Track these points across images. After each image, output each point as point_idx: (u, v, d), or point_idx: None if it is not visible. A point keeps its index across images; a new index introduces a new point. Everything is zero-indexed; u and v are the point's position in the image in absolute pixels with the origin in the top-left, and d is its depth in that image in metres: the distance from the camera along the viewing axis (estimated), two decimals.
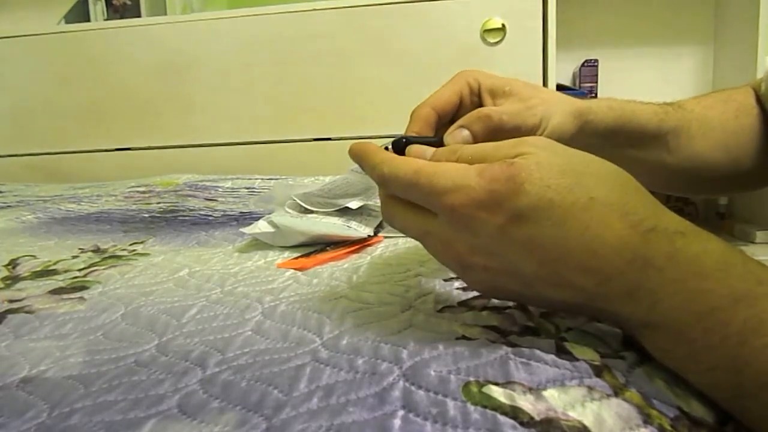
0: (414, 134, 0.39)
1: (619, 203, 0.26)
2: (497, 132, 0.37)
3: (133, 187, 1.06)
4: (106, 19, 1.68)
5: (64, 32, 1.53)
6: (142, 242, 0.61)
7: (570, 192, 0.26)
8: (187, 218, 0.74)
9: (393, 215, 0.32)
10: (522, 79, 0.43)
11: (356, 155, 0.34)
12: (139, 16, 1.66)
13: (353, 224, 0.58)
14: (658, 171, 0.49)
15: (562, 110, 0.41)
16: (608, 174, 0.28)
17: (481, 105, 0.41)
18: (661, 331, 0.25)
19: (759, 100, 0.51)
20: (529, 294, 0.29)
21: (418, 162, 0.30)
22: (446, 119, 0.41)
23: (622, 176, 0.28)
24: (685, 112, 0.48)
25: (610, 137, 0.44)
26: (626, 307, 0.25)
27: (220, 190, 0.98)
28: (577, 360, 0.26)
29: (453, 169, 0.28)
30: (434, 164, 0.29)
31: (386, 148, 0.34)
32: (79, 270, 0.50)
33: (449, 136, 0.37)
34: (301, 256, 0.50)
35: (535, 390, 0.24)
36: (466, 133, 0.37)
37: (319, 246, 0.54)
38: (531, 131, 0.39)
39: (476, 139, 0.37)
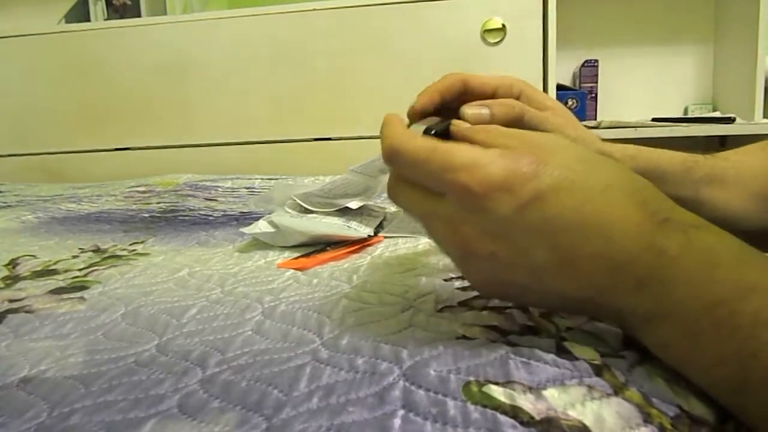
0: (424, 105, 0.40)
1: (637, 191, 0.27)
2: (516, 122, 0.38)
3: (133, 187, 1.07)
4: (106, 19, 1.68)
5: (64, 32, 1.53)
6: (142, 242, 0.61)
7: (589, 176, 0.26)
8: (187, 218, 0.74)
9: (398, 193, 0.31)
10: (522, 79, 0.43)
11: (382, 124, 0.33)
12: (139, 16, 1.66)
13: (353, 224, 0.58)
14: None
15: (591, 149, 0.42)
16: (623, 167, 0.29)
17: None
18: (668, 324, 0.24)
19: None
20: (533, 287, 0.28)
21: (435, 141, 0.29)
22: (473, 98, 0.41)
23: (635, 173, 0.29)
24: (718, 160, 0.45)
25: None
26: (633, 298, 0.25)
27: (220, 190, 0.98)
28: (577, 359, 0.26)
29: (473, 149, 0.27)
30: (451, 143, 0.28)
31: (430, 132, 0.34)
32: (79, 270, 0.50)
33: (468, 108, 0.38)
34: (301, 256, 0.50)
35: (535, 389, 0.24)
36: (485, 111, 0.38)
37: (319, 246, 0.54)
38: None
39: (494, 121, 0.37)
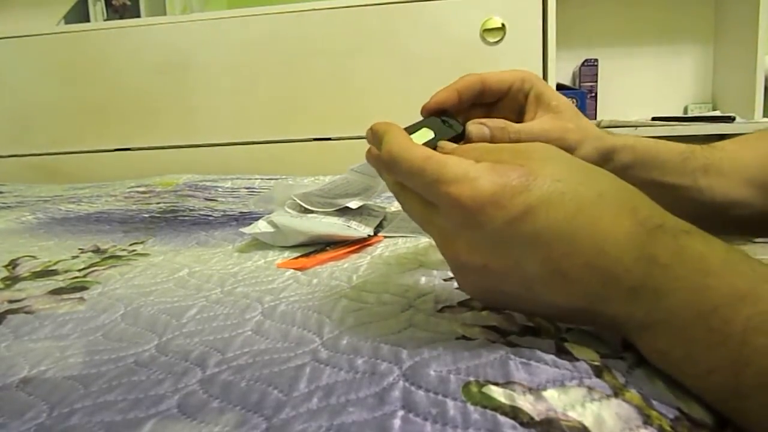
0: (439, 102, 0.41)
1: (627, 199, 0.27)
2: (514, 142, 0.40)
3: (132, 187, 1.07)
4: (106, 20, 1.68)
5: (64, 32, 1.53)
6: (141, 242, 0.61)
7: (579, 187, 0.27)
8: (187, 218, 0.74)
9: (402, 199, 0.32)
10: (534, 73, 0.44)
11: (376, 132, 0.33)
12: (138, 16, 1.66)
13: (353, 224, 0.58)
14: (689, 210, 0.45)
15: (592, 146, 0.42)
16: (613, 177, 0.29)
17: (523, 105, 0.44)
18: (661, 332, 0.24)
19: None
20: (525, 297, 0.28)
21: (431, 150, 0.29)
22: (490, 96, 0.43)
23: (625, 182, 0.29)
24: (715, 150, 0.46)
25: (630, 175, 0.43)
26: (626, 307, 0.25)
27: (220, 190, 0.98)
28: (577, 360, 0.26)
29: (464, 162, 0.28)
30: (446, 155, 0.29)
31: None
32: (79, 270, 0.50)
33: (472, 125, 0.40)
34: (301, 256, 0.50)
35: (535, 390, 0.24)
36: (486, 130, 0.40)
37: (319, 246, 0.54)
38: None
39: (493, 140, 0.40)
